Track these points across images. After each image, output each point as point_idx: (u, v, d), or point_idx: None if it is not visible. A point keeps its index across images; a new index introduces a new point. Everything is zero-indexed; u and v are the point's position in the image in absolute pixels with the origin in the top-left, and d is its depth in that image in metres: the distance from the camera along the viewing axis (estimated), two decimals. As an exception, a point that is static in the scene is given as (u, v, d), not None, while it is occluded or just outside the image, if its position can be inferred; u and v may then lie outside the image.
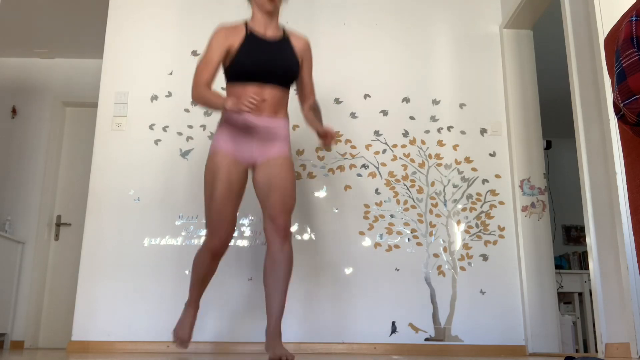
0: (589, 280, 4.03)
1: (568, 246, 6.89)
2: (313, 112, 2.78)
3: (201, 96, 2.55)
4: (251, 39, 2.62)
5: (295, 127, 3.79)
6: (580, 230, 6.93)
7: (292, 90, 3.62)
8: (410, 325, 3.52)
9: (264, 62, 2.58)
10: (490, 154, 3.81)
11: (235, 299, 3.51)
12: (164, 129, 3.78)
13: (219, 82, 3.69)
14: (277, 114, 2.64)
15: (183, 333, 2.70)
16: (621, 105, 1.54)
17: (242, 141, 2.59)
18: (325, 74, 3.89)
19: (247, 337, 3.46)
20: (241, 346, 3.43)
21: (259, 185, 2.62)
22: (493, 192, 3.75)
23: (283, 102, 2.66)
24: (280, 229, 2.51)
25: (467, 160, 3.79)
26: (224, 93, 3.61)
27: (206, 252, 2.59)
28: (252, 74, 2.57)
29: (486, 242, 3.66)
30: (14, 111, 5.28)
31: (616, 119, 1.92)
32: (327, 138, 2.61)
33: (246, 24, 2.67)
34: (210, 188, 2.56)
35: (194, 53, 3.89)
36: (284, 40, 2.70)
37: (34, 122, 5.26)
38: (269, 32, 2.67)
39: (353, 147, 3.79)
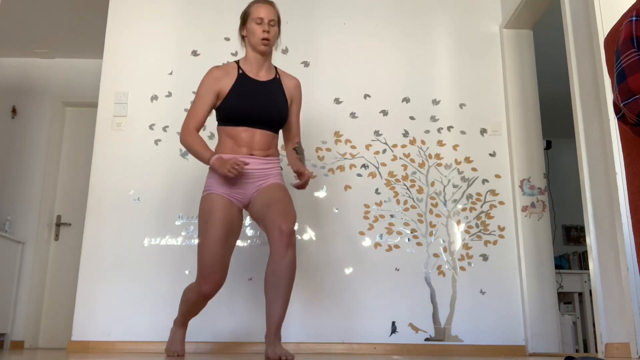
0: (589, 280, 4.03)
1: (568, 246, 6.89)
2: (296, 153, 2.78)
3: (188, 144, 2.58)
4: (243, 81, 2.63)
5: (295, 127, 3.79)
6: (580, 230, 6.93)
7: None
8: (410, 325, 3.52)
9: (255, 107, 2.59)
10: (490, 154, 3.81)
11: (235, 299, 3.51)
12: (164, 129, 3.78)
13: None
14: (268, 155, 2.66)
15: (176, 349, 2.76)
16: (621, 105, 1.54)
17: (236, 182, 2.59)
18: (326, 74, 3.89)
19: (247, 337, 3.46)
20: (241, 346, 3.43)
21: (257, 208, 2.59)
22: (493, 192, 3.75)
23: (274, 143, 2.69)
24: (284, 235, 2.43)
25: (467, 160, 3.79)
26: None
27: (197, 295, 2.58)
28: (242, 118, 2.58)
29: (486, 242, 3.66)
30: (14, 111, 5.28)
31: (616, 119, 1.92)
32: (302, 177, 2.61)
33: (238, 64, 2.68)
34: (204, 230, 2.53)
35: (194, 53, 3.89)
36: (275, 82, 2.71)
37: (34, 122, 5.26)
38: (261, 73, 2.69)
39: (353, 147, 3.79)
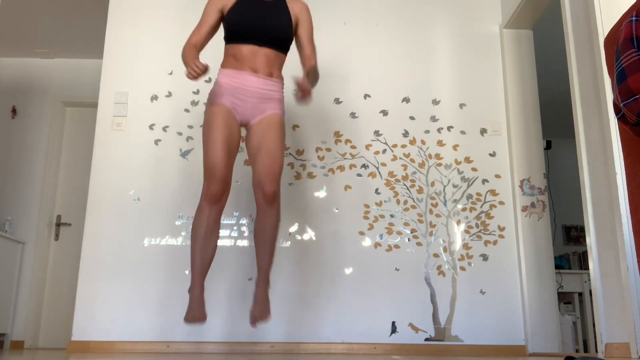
0: (589, 280, 4.03)
1: (568, 246, 6.89)
2: (308, 77, 2.69)
3: (183, 54, 2.62)
4: None
5: (295, 127, 3.79)
6: (580, 230, 6.93)
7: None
8: (410, 325, 3.52)
9: (255, 23, 2.62)
10: (490, 154, 3.81)
11: (235, 299, 3.51)
12: (164, 129, 3.78)
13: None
14: (271, 75, 2.68)
15: (195, 314, 2.56)
16: (621, 105, 1.54)
17: (237, 99, 2.63)
18: (326, 73, 3.89)
19: (247, 337, 3.46)
20: (241, 346, 3.43)
21: (250, 146, 2.67)
22: (493, 192, 3.75)
23: (277, 64, 2.71)
24: (268, 196, 2.57)
25: (467, 160, 3.79)
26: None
27: (205, 203, 2.57)
28: (243, 34, 2.62)
29: (486, 242, 3.66)
30: (14, 111, 5.28)
31: (616, 119, 1.92)
32: (302, 90, 2.51)
33: None
34: (206, 136, 2.60)
35: (194, 53, 3.89)
36: (280, 2, 2.73)
37: (34, 122, 5.26)
38: None
39: (353, 147, 3.79)
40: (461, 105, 3.88)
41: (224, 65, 2.71)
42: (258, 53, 2.64)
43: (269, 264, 2.65)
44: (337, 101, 3.86)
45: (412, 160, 3.78)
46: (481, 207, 3.72)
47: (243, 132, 2.77)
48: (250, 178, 3.60)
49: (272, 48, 2.66)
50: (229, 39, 2.69)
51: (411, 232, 3.67)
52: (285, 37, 2.69)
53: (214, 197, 2.57)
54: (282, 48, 2.71)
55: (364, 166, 3.76)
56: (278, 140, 2.63)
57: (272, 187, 2.57)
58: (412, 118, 3.85)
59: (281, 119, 2.69)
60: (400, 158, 3.78)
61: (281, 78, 2.75)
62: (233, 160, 2.64)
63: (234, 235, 3.61)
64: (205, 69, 2.45)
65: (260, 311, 2.60)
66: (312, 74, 2.71)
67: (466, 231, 3.68)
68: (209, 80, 3.81)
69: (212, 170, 2.55)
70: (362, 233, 3.65)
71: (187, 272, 3.54)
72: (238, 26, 2.62)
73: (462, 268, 3.62)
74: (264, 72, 2.65)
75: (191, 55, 2.58)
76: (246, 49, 2.64)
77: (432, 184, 3.75)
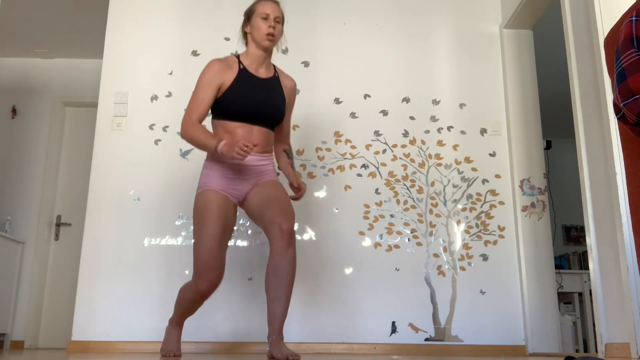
0: (589, 280, 4.03)
1: (568, 246, 6.89)
2: (287, 156, 2.78)
3: (192, 135, 2.50)
4: (244, 76, 2.61)
5: (295, 127, 3.79)
6: (580, 230, 6.93)
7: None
8: (410, 325, 3.52)
9: (255, 104, 2.58)
10: (490, 154, 3.81)
11: (235, 298, 3.51)
12: (164, 129, 3.78)
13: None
14: (265, 152, 2.65)
15: (171, 349, 2.71)
16: (621, 105, 1.54)
17: (232, 178, 2.58)
18: (326, 74, 3.89)
19: (247, 337, 3.46)
20: (241, 346, 3.43)
21: (255, 206, 2.56)
22: (493, 192, 3.75)
23: (270, 141, 2.68)
24: (285, 234, 2.42)
25: (467, 160, 3.79)
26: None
27: (194, 295, 2.54)
28: (242, 113, 2.56)
29: (486, 242, 3.66)
30: (14, 111, 5.28)
31: (616, 119, 1.92)
32: (299, 191, 2.68)
33: (239, 59, 2.66)
34: (200, 227, 2.49)
35: (194, 53, 3.90)
36: (275, 80, 2.71)
37: (34, 122, 5.26)
38: (261, 70, 2.68)
39: (353, 147, 3.79)
40: (461, 105, 3.88)
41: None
42: (252, 131, 2.58)
43: (284, 315, 2.40)
44: (337, 101, 3.86)
45: (412, 160, 3.78)
46: (481, 207, 3.72)
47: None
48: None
49: (266, 127, 2.63)
50: (222, 116, 2.59)
51: (411, 232, 3.67)
52: (281, 117, 2.67)
53: (204, 294, 2.51)
54: (274, 127, 2.69)
55: (364, 166, 3.76)
56: (286, 195, 2.57)
57: (289, 223, 2.43)
58: (412, 118, 3.85)
59: (280, 183, 2.67)
60: (400, 158, 3.78)
61: (272, 152, 2.72)
62: (226, 246, 2.57)
63: (233, 235, 3.61)
64: (250, 148, 2.35)
65: None
66: (289, 153, 2.80)
67: (466, 231, 3.68)
68: (209, 80, 3.81)
69: (206, 271, 2.46)
70: (362, 233, 3.65)
71: (187, 272, 3.54)
72: (238, 107, 2.55)
73: (462, 268, 3.62)
74: (259, 150, 2.61)
75: (204, 135, 2.47)
76: (240, 127, 2.57)
77: (432, 184, 3.75)
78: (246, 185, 2.61)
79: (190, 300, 2.60)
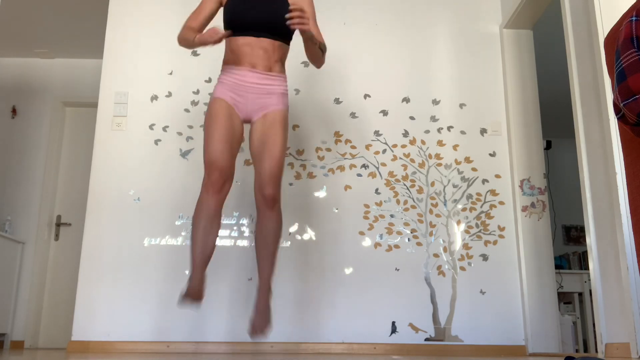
0: (589, 280, 4.03)
1: (568, 246, 6.89)
2: (310, 40, 2.64)
3: (181, 35, 2.64)
4: None
5: (295, 127, 3.79)
6: (580, 230, 6.93)
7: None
8: (410, 325, 3.52)
9: (252, 13, 2.58)
10: (490, 154, 3.81)
11: (235, 298, 3.51)
12: (164, 129, 3.78)
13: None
14: (271, 69, 2.62)
15: (195, 290, 2.47)
16: (621, 105, 1.54)
17: (237, 95, 2.60)
18: (326, 74, 3.89)
19: (247, 337, 3.45)
20: (241, 346, 3.43)
21: (252, 145, 2.63)
22: (493, 192, 3.75)
23: (277, 56, 2.64)
24: (268, 199, 2.53)
25: (467, 160, 3.79)
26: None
27: (205, 193, 2.53)
28: (241, 24, 2.58)
29: (486, 242, 3.66)
30: (14, 111, 5.28)
31: (616, 119, 1.92)
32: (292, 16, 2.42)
33: None
34: (207, 129, 2.57)
35: (194, 53, 3.90)
36: None
37: (34, 122, 5.26)
38: None
39: (353, 147, 3.79)
40: (461, 105, 3.88)
41: (224, 61, 2.69)
42: (255, 46, 2.58)
43: (271, 269, 2.56)
44: (337, 101, 3.86)
45: (412, 160, 3.78)
46: (481, 207, 3.72)
47: (247, 128, 2.75)
48: (250, 178, 3.60)
49: (270, 38, 2.59)
50: (227, 22, 2.65)
51: (411, 232, 3.67)
52: (282, 24, 2.53)
53: (214, 185, 2.52)
54: (282, 37, 2.63)
55: (364, 166, 3.76)
56: (279, 141, 2.58)
57: (272, 190, 2.53)
58: (412, 118, 3.85)
59: (283, 114, 2.63)
60: (400, 158, 3.78)
61: (283, 72, 2.68)
62: (235, 153, 2.60)
63: (234, 235, 3.61)
64: (222, 34, 2.44)
65: (260, 322, 2.52)
66: (315, 40, 2.59)
67: (466, 231, 3.68)
68: (209, 80, 3.82)
69: (212, 160, 2.52)
70: (362, 233, 3.65)
71: (187, 272, 3.54)
72: (233, 15, 2.59)
73: (462, 268, 3.62)
74: (263, 67, 2.60)
75: (190, 34, 2.60)
76: (243, 42, 2.58)
77: (432, 184, 3.75)
78: (250, 101, 2.61)
79: (202, 212, 2.51)
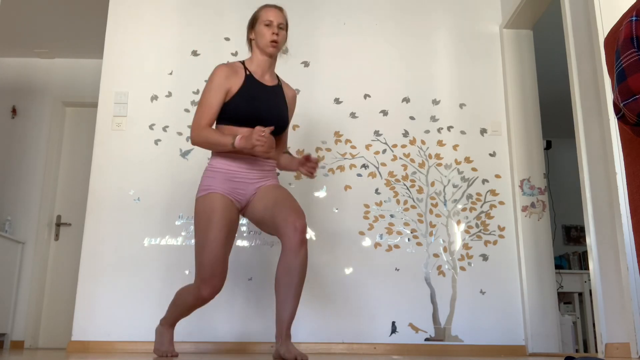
0: (589, 280, 4.03)
1: (568, 246, 6.89)
2: (287, 154, 2.77)
3: (205, 137, 2.47)
4: (250, 82, 2.59)
5: (295, 127, 3.79)
6: (580, 230, 6.93)
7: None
8: (410, 325, 3.52)
9: (262, 111, 2.56)
10: (490, 154, 3.81)
11: (235, 299, 3.51)
12: (164, 129, 3.78)
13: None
14: (269, 159, 2.63)
15: (166, 349, 2.69)
16: (621, 105, 1.54)
17: (237, 181, 2.54)
18: (326, 74, 3.89)
19: (247, 337, 3.46)
20: (241, 346, 3.43)
21: (262, 208, 2.53)
22: (493, 192, 3.75)
23: (273, 147, 2.58)
24: (299, 232, 2.37)
25: (467, 160, 3.79)
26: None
27: (195, 300, 2.50)
28: (248, 119, 2.53)
29: (486, 242, 3.66)
30: (14, 111, 5.28)
31: (616, 119, 1.92)
32: (309, 160, 2.56)
33: (244, 66, 2.65)
34: (204, 231, 2.45)
35: (194, 53, 3.90)
36: (279, 88, 2.70)
37: (34, 122, 5.26)
38: (266, 77, 2.66)
39: (353, 147, 3.79)
40: (461, 105, 3.88)
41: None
42: None
43: (293, 315, 2.38)
44: (337, 101, 3.86)
45: (412, 160, 3.78)
46: (481, 207, 3.72)
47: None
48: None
49: (271, 134, 2.57)
50: (227, 121, 2.56)
51: (411, 232, 3.67)
52: (285, 126, 2.65)
53: (206, 299, 2.48)
54: (281, 131, 2.65)
55: (364, 166, 3.76)
56: (292, 196, 2.54)
57: (302, 221, 2.40)
58: (412, 118, 3.85)
59: (283, 187, 2.66)
60: (400, 158, 3.78)
61: (276, 158, 2.71)
62: (229, 252, 2.53)
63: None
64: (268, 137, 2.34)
65: None
66: (288, 152, 2.78)
67: (466, 231, 3.68)
68: (209, 80, 3.81)
69: (210, 276, 2.42)
70: (362, 233, 3.65)
71: (187, 272, 3.54)
72: (245, 113, 2.52)
73: (462, 268, 3.62)
74: (263, 157, 2.59)
75: (217, 136, 2.45)
76: (246, 133, 2.48)
77: (432, 184, 3.75)
78: (250, 190, 2.58)
79: (189, 305, 2.56)
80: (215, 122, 2.57)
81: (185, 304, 2.58)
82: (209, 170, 2.56)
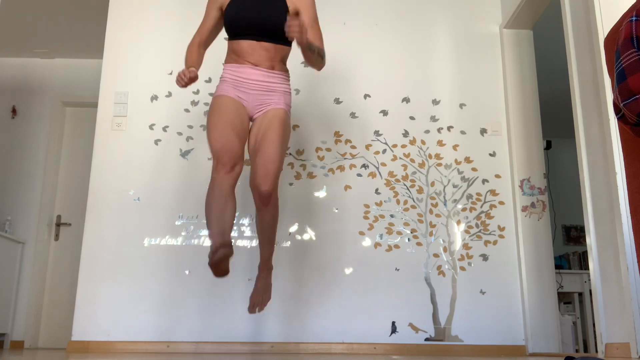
0: (589, 280, 4.03)
1: (568, 246, 6.88)
2: (309, 49, 2.57)
3: (185, 56, 2.66)
4: None
5: (295, 127, 3.79)
6: (580, 230, 6.93)
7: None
8: (410, 325, 3.52)
9: (249, 17, 2.60)
10: (490, 154, 3.81)
11: (235, 299, 3.51)
12: (164, 129, 3.78)
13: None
14: (273, 68, 2.64)
15: (226, 244, 2.41)
16: (621, 105, 1.54)
17: (241, 92, 2.62)
18: (326, 74, 3.89)
19: (247, 337, 3.46)
20: (241, 346, 3.43)
21: (250, 142, 2.64)
22: (493, 192, 3.75)
23: (279, 57, 2.66)
24: (264, 197, 2.55)
25: (467, 160, 3.79)
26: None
27: (216, 173, 2.48)
28: (239, 29, 2.62)
29: (486, 242, 3.66)
30: (14, 111, 5.28)
31: (616, 119, 1.92)
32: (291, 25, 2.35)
33: None
34: (214, 118, 2.57)
35: (194, 53, 3.89)
36: None
37: (34, 122, 5.26)
38: None
39: (353, 147, 3.79)
40: (461, 105, 3.88)
41: (226, 61, 2.72)
42: (257, 47, 2.61)
43: (269, 251, 2.72)
44: (337, 101, 3.86)
45: (412, 160, 3.78)
46: (481, 207, 3.72)
47: None
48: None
49: (271, 42, 2.62)
50: (229, 35, 2.69)
51: (411, 232, 3.66)
52: (281, 28, 2.51)
53: (225, 166, 2.49)
54: (282, 40, 2.63)
55: (364, 166, 3.76)
56: (277, 139, 2.56)
57: (266, 187, 2.52)
58: (412, 118, 3.85)
59: (284, 113, 2.62)
60: (400, 158, 3.78)
61: (285, 70, 2.71)
62: (243, 141, 2.58)
63: (234, 236, 3.61)
64: (192, 79, 2.47)
65: (258, 297, 2.70)
66: (314, 48, 2.54)
67: (466, 231, 3.68)
68: (209, 80, 3.81)
69: (221, 145, 2.50)
70: (362, 233, 3.65)
71: (187, 272, 3.54)
72: (233, 21, 2.62)
73: (462, 268, 3.62)
74: (265, 66, 2.62)
75: (189, 60, 2.63)
76: (245, 44, 2.62)
77: (432, 184, 3.75)
78: (252, 98, 2.62)
79: (215, 191, 2.47)
80: (207, 39, 2.75)
81: (212, 192, 2.48)
82: (221, 78, 2.69)
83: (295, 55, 3.90)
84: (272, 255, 2.76)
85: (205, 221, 2.72)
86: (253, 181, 2.57)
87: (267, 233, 2.70)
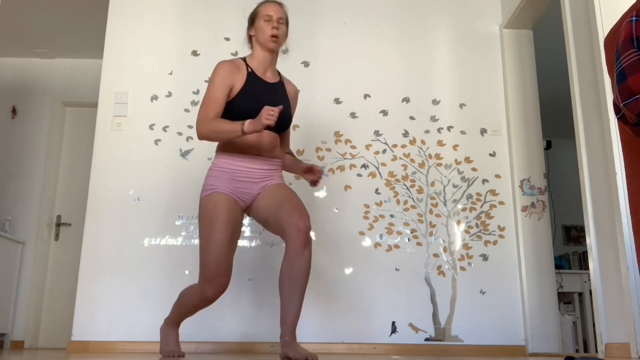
0: (589, 280, 4.03)
1: (568, 246, 6.89)
2: (290, 155, 2.74)
3: (213, 127, 2.42)
4: (253, 80, 2.56)
5: (295, 127, 3.79)
6: (580, 230, 6.93)
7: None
8: (410, 325, 3.52)
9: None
10: (490, 154, 3.81)
11: (236, 299, 3.51)
12: (164, 129, 3.78)
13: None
14: (274, 157, 2.60)
15: (172, 349, 2.67)
16: (621, 105, 1.54)
17: (242, 180, 2.51)
18: (326, 74, 3.89)
19: (247, 337, 3.46)
20: (241, 346, 3.43)
21: (266, 208, 2.49)
22: (493, 192, 3.75)
23: (277, 145, 2.61)
24: (302, 233, 2.35)
25: (467, 160, 3.79)
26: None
27: (199, 300, 2.49)
28: (251, 117, 2.45)
29: (486, 242, 3.66)
30: (14, 111, 5.28)
31: (616, 119, 1.92)
32: (314, 172, 2.56)
33: (246, 62, 2.61)
34: (208, 231, 2.43)
35: (194, 53, 3.90)
36: (281, 85, 2.67)
37: (34, 122, 5.26)
38: (267, 74, 2.63)
39: (353, 147, 3.79)
40: (461, 105, 3.88)
41: (225, 146, 2.54)
42: (261, 136, 2.51)
43: (297, 316, 2.37)
44: (337, 101, 3.86)
45: (412, 160, 3.78)
46: (481, 207, 3.72)
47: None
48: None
49: (274, 131, 2.56)
50: (233, 119, 2.49)
51: (411, 232, 3.67)
52: (288, 122, 2.60)
53: (210, 300, 2.48)
54: (282, 129, 2.62)
55: (364, 166, 3.76)
56: (297, 196, 2.50)
57: (306, 222, 2.37)
58: (412, 118, 3.85)
59: (289, 186, 2.63)
60: (400, 158, 3.78)
61: (281, 156, 2.67)
62: (233, 254, 2.52)
63: (234, 235, 3.61)
64: (280, 109, 2.32)
65: None
66: (291, 153, 2.75)
67: (466, 231, 3.68)
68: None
69: (213, 275, 2.42)
70: (362, 233, 3.65)
71: (187, 272, 3.54)
72: (249, 112, 2.46)
73: (462, 268, 3.62)
74: (268, 155, 2.57)
75: (223, 123, 2.41)
76: (252, 134, 2.47)
77: (432, 184, 3.75)
78: (255, 189, 2.54)
79: (193, 305, 2.55)
80: (220, 114, 2.50)
81: (189, 303, 2.56)
82: (213, 169, 2.54)
83: (295, 55, 3.91)
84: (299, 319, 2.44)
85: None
86: (290, 221, 2.37)
87: (301, 286, 2.36)
